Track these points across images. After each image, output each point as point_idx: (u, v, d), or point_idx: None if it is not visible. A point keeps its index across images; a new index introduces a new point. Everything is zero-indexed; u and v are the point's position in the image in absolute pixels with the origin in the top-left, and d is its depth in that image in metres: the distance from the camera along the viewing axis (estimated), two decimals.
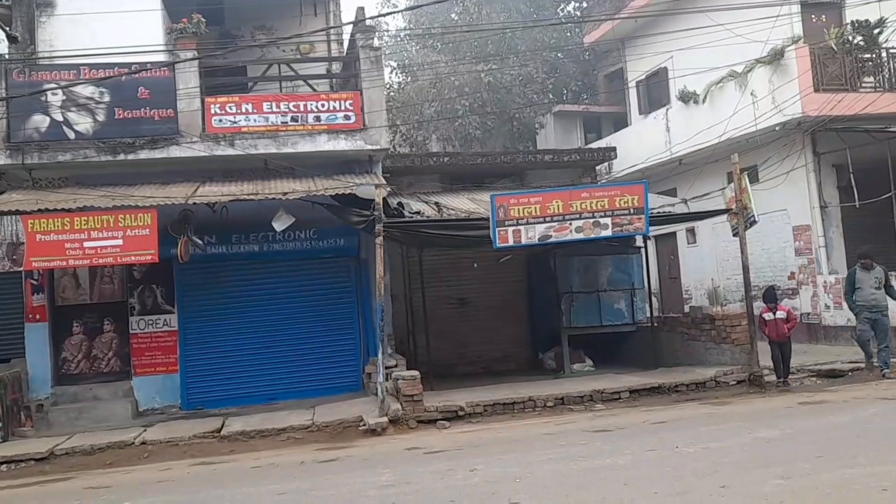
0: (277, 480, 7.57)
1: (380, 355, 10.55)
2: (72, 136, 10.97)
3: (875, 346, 11.36)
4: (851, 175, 14.29)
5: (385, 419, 9.81)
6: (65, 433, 10.54)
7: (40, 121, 10.92)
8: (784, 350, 11.27)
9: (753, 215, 11.51)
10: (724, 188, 12.32)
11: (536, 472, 6.95)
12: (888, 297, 11.50)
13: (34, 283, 11.65)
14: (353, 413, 10.41)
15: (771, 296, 11.60)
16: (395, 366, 11.09)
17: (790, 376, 11.31)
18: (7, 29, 10.70)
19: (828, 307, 14.43)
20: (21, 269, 10.34)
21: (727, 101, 15.68)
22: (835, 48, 14.11)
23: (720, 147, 15.45)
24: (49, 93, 10.87)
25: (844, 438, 7.51)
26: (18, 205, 10.15)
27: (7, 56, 11.20)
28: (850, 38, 14.31)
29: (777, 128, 14.49)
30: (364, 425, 9.83)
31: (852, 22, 14.53)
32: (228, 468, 8.50)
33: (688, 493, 5.87)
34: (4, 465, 9.33)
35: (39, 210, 10.03)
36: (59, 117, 10.97)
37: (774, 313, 11.39)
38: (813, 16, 15.07)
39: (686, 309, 16.77)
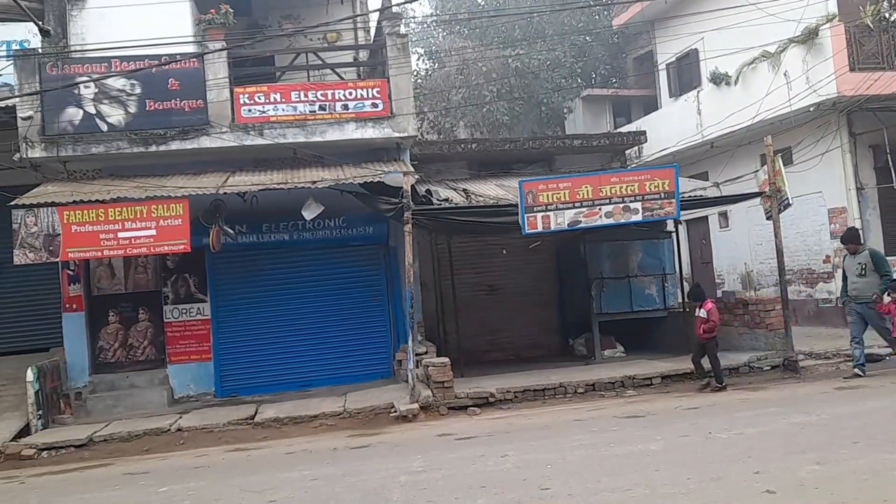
0: (311, 466, 7.65)
1: (410, 342, 10.59)
2: (104, 128, 11.12)
3: (857, 344, 10.26)
4: (889, 156, 13.99)
5: (416, 406, 9.86)
6: (103, 420, 10.76)
7: (74, 113, 11.08)
8: (707, 351, 10.35)
9: (787, 198, 11.31)
10: (757, 171, 12.12)
11: (568, 458, 6.94)
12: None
13: (70, 273, 11.86)
14: (384, 400, 10.48)
15: (695, 294, 10.82)
16: (426, 353, 11.13)
17: (724, 382, 10.16)
18: (40, 23, 10.83)
19: None
20: (57, 259, 10.50)
21: (760, 82, 15.41)
22: (871, 25, 13.76)
23: (753, 129, 15.20)
24: (82, 86, 11.01)
25: (881, 424, 7.39)
26: (54, 196, 10.32)
27: (40, 50, 11.36)
28: (887, 14, 13.95)
29: (811, 108, 14.21)
30: (395, 412, 9.90)
31: None
32: (262, 454, 8.61)
33: (721, 478, 5.82)
34: (46, 452, 9.56)
35: (74, 202, 10.20)
36: (92, 110, 11.12)
37: (697, 312, 10.57)
38: None
39: (719, 294, 16.60)
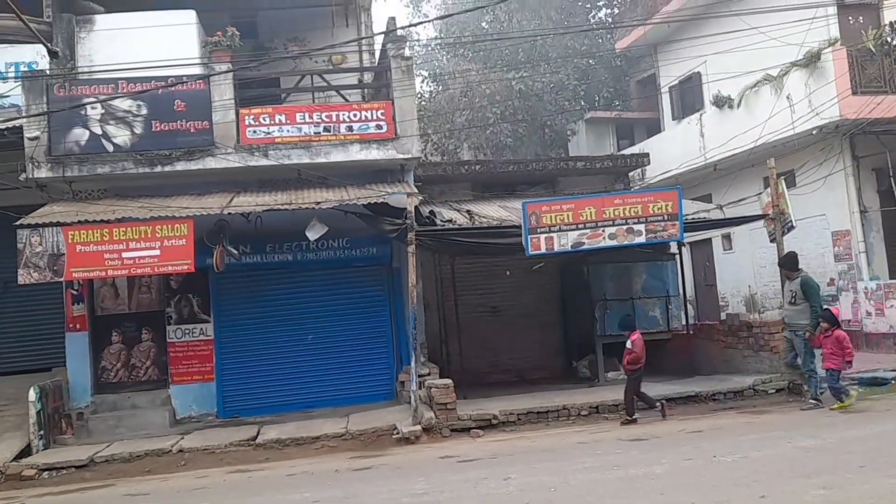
0: (312, 488, 7.60)
1: (413, 363, 10.57)
2: (110, 148, 11.19)
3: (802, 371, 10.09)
4: (892, 179, 14.01)
5: (418, 427, 9.81)
6: (104, 441, 10.72)
7: (80, 134, 11.16)
8: (628, 382, 10.09)
9: (791, 221, 11.32)
10: (761, 193, 12.14)
11: (571, 481, 6.89)
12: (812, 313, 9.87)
13: (74, 293, 11.87)
14: (386, 421, 10.43)
15: (624, 323, 10.57)
16: (428, 374, 11.08)
17: (637, 415, 9.92)
18: (48, 45, 10.95)
19: (869, 314, 14.12)
20: (62, 279, 10.52)
21: (762, 106, 15.48)
22: (873, 49, 13.86)
23: (756, 152, 15.24)
24: (88, 107, 11.10)
25: (887, 448, 7.34)
26: (59, 216, 10.36)
27: (48, 72, 11.46)
28: (889, 39, 14.04)
29: (814, 131, 14.26)
30: (397, 433, 9.85)
31: (891, 23, 14.26)
32: (264, 476, 8.56)
33: (726, 502, 5.77)
34: (46, 472, 9.51)
35: (79, 221, 10.24)
36: (98, 130, 11.20)
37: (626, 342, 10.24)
38: (850, 17, 14.81)
39: (722, 316, 16.53)
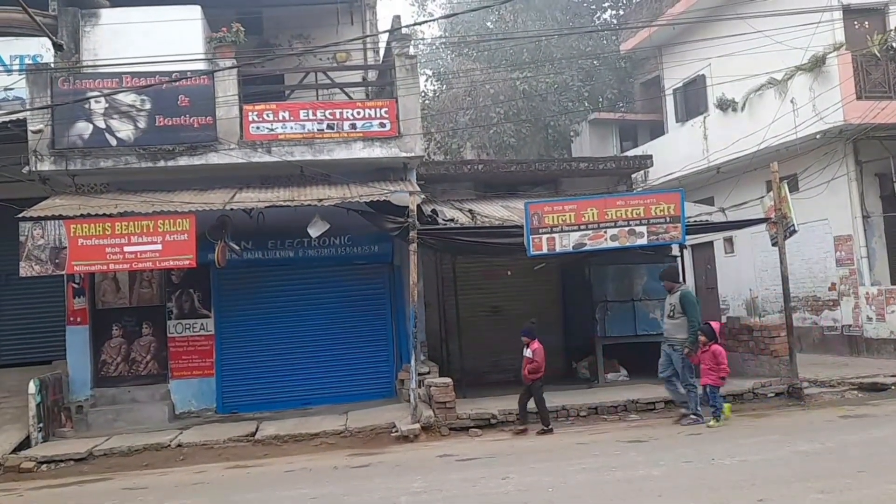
0: (310, 485, 7.61)
1: (412, 362, 10.57)
2: (114, 142, 11.19)
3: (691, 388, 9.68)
4: (895, 184, 13.97)
5: (417, 426, 9.82)
6: (103, 434, 10.73)
7: (83, 128, 11.16)
8: (532, 392, 9.82)
9: (793, 225, 11.31)
10: (763, 197, 12.13)
11: (570, 481, 6.89)
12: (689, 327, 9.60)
13: (76, 286, 11.89)
14: (385, 419, 10.43)
15: (525, 330, 10.19)
16: (428, 372, 11.10)
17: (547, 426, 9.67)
18: (54, 38, 10.94)
19: (870, 319, 14.10)
20: (63, 272, 10.53)
21: (766, 109, 15.45)
22: (878, 55, 13.82)
23: (759, 155, 15.22)
24: (92, 100, 11.10)
25: (887, 453, 7.33)
26: (61, 210, 10.38)
27: (53, 65, 11.47)
28: (894, 44, 14.01)
29: (818, 136, 14.24)
30: (396, 431, 9.85)
31: None
32: (262, 472, 8.57)
33: None
34: (45, 465, 9.53)
35: (82, 215, 10.25)
36: (102, 124, 11.20)
37: (524, 350, 10.02)
38: (855, 22, 14.77)
39: (723, 319, 16.52)
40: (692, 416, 9.60)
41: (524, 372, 9.95)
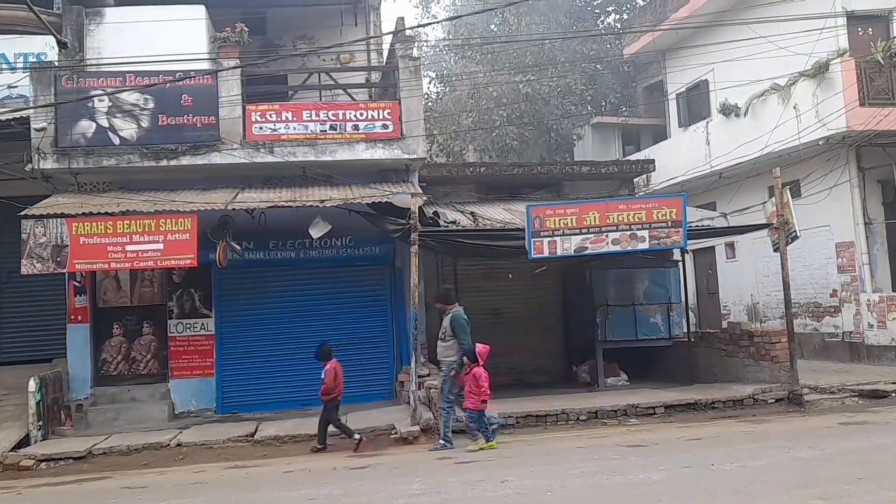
0: (309, 486, 7.60)
1: (412, 364, 10.56)
2: (116, 141, 11.21)
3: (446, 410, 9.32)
4: None
5: (416, 428, 9.81)
6: (103, 433, 10.73)
7: (87, 126, 11.18)
8: (323, 411, 9.65)
9: (795, 231, 11.30)
10: (765, 202, 12.12)
11: (568, 485, 6.88)
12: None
13: (77, 284, 11.89)
14: (384, 421, 10.43)
15: (319, 353, 9.97)
16: (428, 375, 11.08)
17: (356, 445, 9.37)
18: (58, 36, 10.97)
19: (871, 326, 14.08)
20: (65, 270, 10.54)
21: (769, 115, 15.44)
22: (881, 61, 13.82)
23: (761, 161, 15.21)
24: (96, 99, 11.12)
25: (887, 460, 7.31)
26: (64, 208, 10.39)
27: (57, 63, 11.49)
28: None
29: (820, 142, 14.22)
30: (396, 433, 9.84)
31: None
32: (261, 472, 8.56)
33: None
34: (44, 463, 9.53)
35: (84, 213, 10.26)
36: (105, 123, 11.21)
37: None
38: (859, 29, 14.77)
39: (724, 325, 16.51)
40: (440, 441, 9.18)
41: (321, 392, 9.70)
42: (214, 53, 11.95)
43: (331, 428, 9.70)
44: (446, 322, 9.52)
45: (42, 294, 12.74)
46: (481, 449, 8.87)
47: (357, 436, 9.52)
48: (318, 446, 9.63)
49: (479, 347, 9.28)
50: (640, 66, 22.92)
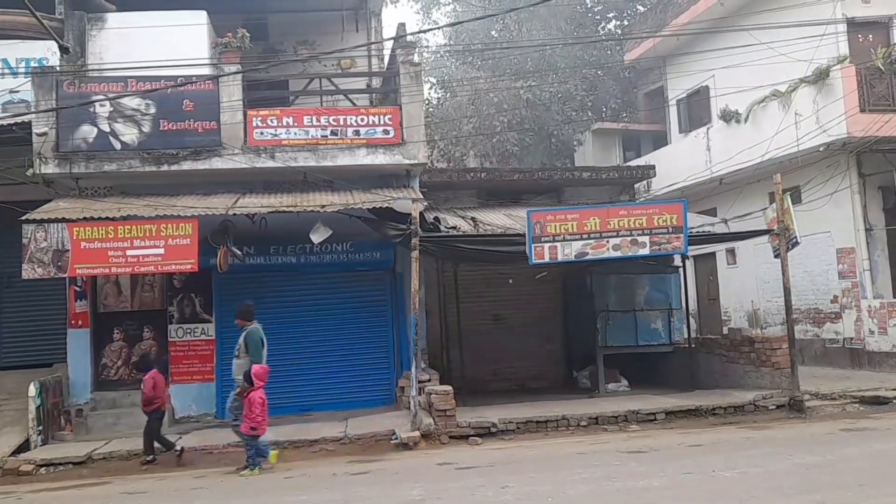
0: (309, 491, 7.59)
1: (413, 369, 10.55)
2: (118, 146, 11.22)
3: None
4: None
5: (417, 433, 9.79)
6: (103, 438, 10.72)
7: (88, 131, 11.19)
8: (147, 423, 9.54)
9: (795, 237, 11.31)
10: (766, 208, 12.13)
11: (569, 491, 6.87)
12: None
13: (78, 289, 11.89)
14: (385, 426, 10.41)
15: (140, 364, 9.88)
16: (429, 380, 11.08)
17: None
18: (60, 41, 11.00)
19: (871, 332, 14.07)
20: (65, 275, 10.55)
21: (770, 121, 15.47)
22: (882, 68, 13.84)
23: (762, 167, 15.23)
24: (97, 104, 11.13)
25: (888, 466, 7.30)
26: (65, 213, 10.40)
27: (58, 68, 11.51)
28: None
29: (821, 148, 14.24)
30: (396, 439, 9.83)
31: None
32: (261, 478, 8.54)
33: None
34: (44, 468, 9.51)
35: (85, 218, 10.26)
36: (107, 128, 11.23)
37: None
38: (859, 35, 14.80)
39: (725, 331, 16.52)
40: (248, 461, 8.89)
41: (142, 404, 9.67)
42: (216, 59, 11.97)
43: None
44: (241, 339, 9.11)
45: (43, 298, 12.71)
46: (252, 475, 8.56)
47: (178, 447, 9.56)
48: (147, 459, 9.50)
49: (256, 368, 8.75)
50: (641, 72, 22.95)
